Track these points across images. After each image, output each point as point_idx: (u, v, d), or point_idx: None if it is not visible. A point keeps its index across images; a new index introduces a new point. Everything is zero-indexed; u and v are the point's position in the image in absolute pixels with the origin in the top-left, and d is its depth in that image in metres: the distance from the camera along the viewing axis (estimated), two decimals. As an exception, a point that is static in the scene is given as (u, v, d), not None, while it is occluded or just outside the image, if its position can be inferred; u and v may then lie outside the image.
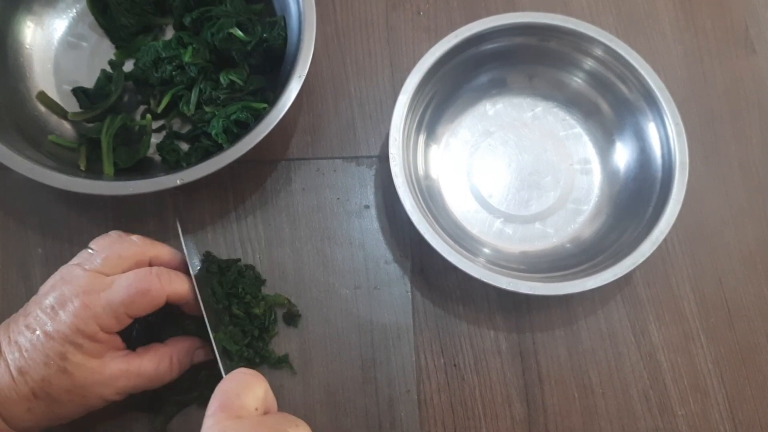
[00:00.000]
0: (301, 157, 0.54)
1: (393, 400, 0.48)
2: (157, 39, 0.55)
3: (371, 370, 0.48)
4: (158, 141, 0.52)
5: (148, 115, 0.52)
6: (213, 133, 0.49)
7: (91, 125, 0.52)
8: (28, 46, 0.53)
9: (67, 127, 0.52)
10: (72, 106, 0.52)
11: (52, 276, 0.40)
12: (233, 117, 0.49)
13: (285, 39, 0.52)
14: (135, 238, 0.43)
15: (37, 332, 0.37)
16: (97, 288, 0.38)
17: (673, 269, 0.52)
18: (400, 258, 0.51)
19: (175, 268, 0.42)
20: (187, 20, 0.53)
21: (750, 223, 0.54)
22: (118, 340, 0.40)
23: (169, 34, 0.55)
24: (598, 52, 0.52)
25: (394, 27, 0.58)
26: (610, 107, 0.54)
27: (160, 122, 0.53)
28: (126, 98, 0.54)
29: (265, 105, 0.50)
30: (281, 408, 0.47)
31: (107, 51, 0.55)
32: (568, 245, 0.52)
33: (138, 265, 0.41)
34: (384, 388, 0.48)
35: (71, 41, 0.55)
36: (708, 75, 0.58)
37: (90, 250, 0.41)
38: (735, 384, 0.50)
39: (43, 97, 0.51)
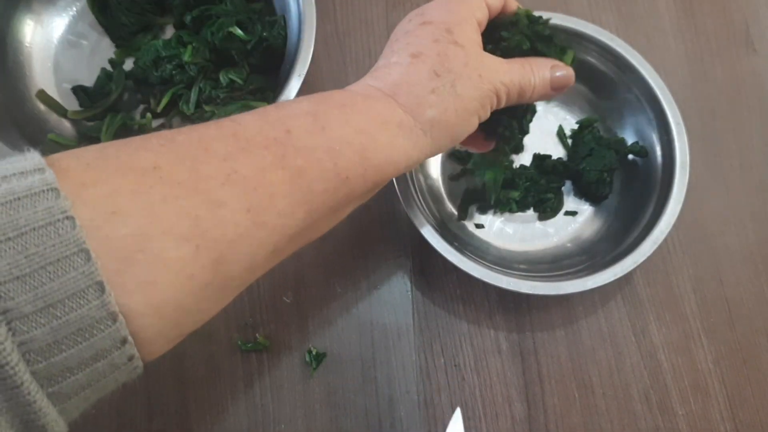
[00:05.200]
0: (301, 156, 0.54)
1: (393, 400, 0.48)
2: (157, 38, 0.55)
3: (371, 370, 0.48)
4: (158, 140, 0.52)
5: (148, 114, 0.52)
6: (213, 132, 0.49)
7: (91, 124, 0.52)
8: (27, 45, 0.53)
9: (66, 125, 0.52)
10: (72, 104, 0.52)
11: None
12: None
13: (285, 38, 0.52)
14: None
15: (413, 30, 0.36)
16: None
17: (673, 269, 0.52)
18: (400, 257, 0.51)
19: None
20: (187, 19, 0.53)
21: (750, 222, 0.54)
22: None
23: (169, 33, 0.55)
24: (598, 51, 0.52)
25: (394, 26, 0.57)
26: (610, 107, 0.54)
27: (160, 121, 0.53)
28: (126, 97, 0.54)
29: (265, 104, 0.50)
30: (281, 409, 0.47)
31: (107, 50, 0.55)
32: (568, 245, 0.52)
33: None
34: (384, 388, 0.48)
35: (71, 40, 0.55)
36: (709, 74, 0.58)
37: None
38: (735, 384, 0.49)
39: (42, 95, 0.51)
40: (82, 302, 0.21)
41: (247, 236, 0.26)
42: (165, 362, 0.48)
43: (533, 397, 0.48)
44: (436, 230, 0.46)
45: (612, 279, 0.45)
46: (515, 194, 0.51)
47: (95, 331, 0.21)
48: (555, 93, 0.39)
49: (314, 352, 0.48)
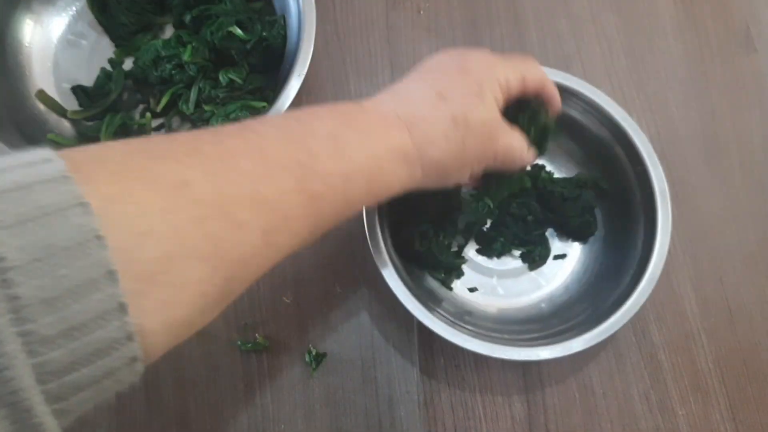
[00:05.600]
0: (300, 156, 0.54)
1: (393, 400, 0.47)
2: (156, 37, 0.55)
3: (371, 370, 0.48)
4: (158, 140, 0.52)
5: (148, 114, 0.52)
6: (213, 131, 0.49)
7: (90, 124, 0.52)
8: (27, 45, 0.53)
9: (66, 125, 0.52)
10: (71, 104, 0.52)
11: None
12: (232, 116, 0.49)
13: (284, 38, 0.52)
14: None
15: (449, 71, 0.37)
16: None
17: (673, 269, 0.52)
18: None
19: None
20: (186, 19, 0.53)
21: (751, 222, 0.54)
22: None
23: (169, 32, 0.55)
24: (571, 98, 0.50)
25: (394, 26, 0.58)
26: (578, 146, 0.53)
27: (160, 121, 0.53)
28: (125, 97, 0.54)
29: (265, 104, 0.50)
30: (281, 409, 0.47)
31: (107, 49, 0.55)
32: (563, 291, 0.51)
33: None
34: (384, 388, 0.48)
35: (71, 39, 0.55)
36: (709, 74, 0.58)
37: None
38: (736, 384, 0.49)
39: (42, 95, 0.51)
40: (102, 323, 0.21)
41: (258, 255, 0.27)
42: (165, 362, 0.47)
43: (533, 398, 0.48)
44: (431, 308, 0.44)
45: (620, 326, 0.44)
46: (497, 244, 0.51)
47: (111, 351, 0.21)
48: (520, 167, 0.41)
49: (314, 352, 0.48)
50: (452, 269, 0.50)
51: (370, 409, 0.47)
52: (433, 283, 0.50)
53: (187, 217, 0.24)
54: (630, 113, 0.52)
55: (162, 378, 0.47)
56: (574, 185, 0.51)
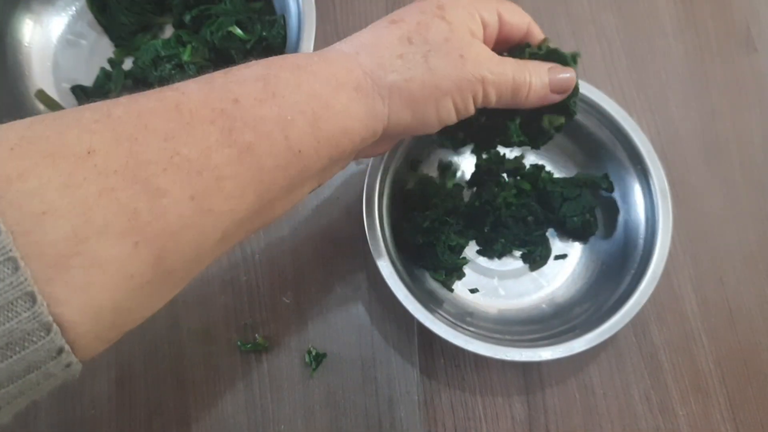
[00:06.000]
0: (300, 156, 0.54)
1: (393, 400, 0.47)
2: (156, 37, 0.55)
3: (371, 370, 0.48)
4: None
5: (148, 114, 0.52)
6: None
7: (90, 124, 0.52)
8: (26, 44, 0.53)
9: (65, 125, 0.52)
10: (71, 104, 0.52)
11: None
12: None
13: (284, 38, 0.52)
14: None
15: (412, 5, 0.32)
16: None
17: (674, 269, 0.52)
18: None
19: None
20: (186, 18, 0.53)
21: (751, 222, 0.54)
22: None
23: (169, 32, 0.55)
24: (590, 111, 0.50)
25: (394, 26, 0.58)
26: (578, 146, 0.53)
27: (160, 121, 0.53)
28: (125, 97, 0.54)
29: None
30: (281, 409, 0.47)
31: (106, 49, 0.55)
32: (563, 291, 0.51)
33: None
34: (384, 388, 0.48)
35: (70, 39, 0.55)
36: (709, 74, 0.58)
37: None
38: (736, 384, 0.49)
39: (42, 95, 0.51)
40: (10, 315, 0.19)
41: (191, 226, 0.24)
42: (165, 362, 0.47)
43: (533, 398, 0.48)
44: (432, 310, 0.44)
45: (620, 327, 0.44)
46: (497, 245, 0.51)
47: (27, 344, 0.20)
48: (557, 97, 0.36)
49: (314, 353, 0.48)
50: (453, 270, 0.50)
51: (370, 409, 0.47)
52: (433, 284, 0.50)
53: (94, 189, 0.21)
54: (630, 113, 0.52)
55: (162, 378, 0.47)
56: (574, 185, 0.51)
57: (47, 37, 0.54)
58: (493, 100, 0.34)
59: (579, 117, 0.50)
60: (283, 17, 0.52)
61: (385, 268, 0.43)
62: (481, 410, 0.48)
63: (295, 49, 0.48)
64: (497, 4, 0.35)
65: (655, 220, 0.47)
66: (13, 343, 0.19)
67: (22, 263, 0.19)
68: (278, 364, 0.48)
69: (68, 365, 0.21)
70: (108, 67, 0.54)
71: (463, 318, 0.47)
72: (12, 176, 0.20)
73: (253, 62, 0.29)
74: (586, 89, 0.49)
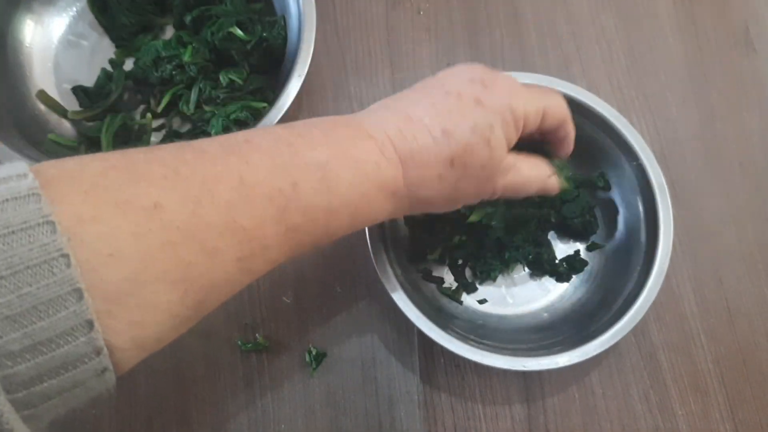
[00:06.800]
0: (301, 156, 0.54)
1: (393, 400, 0.48)
2: (157, 38, 0.55)
3: (371, 370, 0.48)
4: (158, 140, 0.52)
5: (148, 114, 0.52)
6: (213, 132, 0.49)
7: (91, 124, 0.52)
8: (28, 45, 0.53)
9: (66, 126, 0.52)
10: (72, 104, 0.52)
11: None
12: (233, 116, 0.49)
13: (285, 38, 0.52)
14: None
15: (465, 99, 0.34)
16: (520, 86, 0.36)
17: (673, 269, 0.52)
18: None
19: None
20: (187, 19, 0.53)
21: (750, 223, 0.54)
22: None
23: (169, 33, 0.55)
24: (583, 112, 0.49)
25: (394, 26, 0.58)
26: (593, 162, 0.52)
27: (160, 121, 0.53)
28: (126, 97, 0.54)
29: (265, 104, 0.50)
30: (281, 409, 0.47)
31: (107, 50, 0.55)
32: (572, 293, 0.51)
33: None
34: (384, 388, 0.48)
35: (71, 40, 0.55)
36: (708, 74, 0.58)
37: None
38: (735, 384, 0.49)
39: (43, 95, 0.51)
40: (69, 339, 0.21)
41: (232, 281, 0.28)
42: (165, 362, 0.48)
43: (533, 398, 0.48)
44: (438, 324, 0.43)
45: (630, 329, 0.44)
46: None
47: (78, 364, 0.22)
48: (536, 194, 0.40)
49: (314, 352, 0.48)
50: (467, 284, 0.50)
51: (370, 409, 0.47)
52: (442, 298, 0.49)
53: (157, 241, 0.24)
54: (629, 113, 0.52)
55: (162, 378, 0.47)
56: (572, 186, 0.50)
57: (48, 38, 0.54)
58: (501, 196, 0.38)
59: (575, 118, 0.49)
60: (284, 18, 0.52)
61: (399, 298, 0.43)
62: (480, 410, 0.48)
63: (296, 49, 0.48)
64: (546, 102, 0.37)
65: (655, 216, 0.47)
66: (68, 364, 0.22)
67: (86, 294, 0.21)
68: (278, 364, 0.48)
69: (107, 381, 0.24)
70: (109, 68, 0.54)
71: (476, 331, 0.47)
72: (85, 218, 0.22)
73: (316, 134, 0.31)
74: (576, 92, 0.48)
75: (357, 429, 0.47)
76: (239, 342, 0.48)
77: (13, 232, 0.21)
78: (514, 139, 0.35)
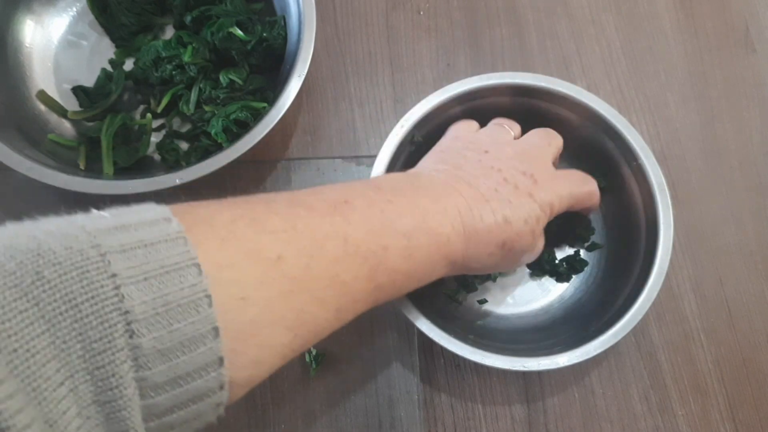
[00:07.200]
0: (301, 156, 0.54)
1: (393, 400, 0.48)
2: (157, 38, 0.55)
3: (371, 370, 0.48)
4: (158, 140, 0.52)
5: (149, 115, 0.52)
6: (213, 132, 0.49)
7: (90, 124, 0.52)
8: (28, 45, 0.53)
9: (66, 126, 0.52)
10: (72, 105, 0.52)
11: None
12: (233, 116, 0.49)
13: (285, 38, 0.52)
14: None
15: (521, 191, 0.39)
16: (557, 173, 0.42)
17: (673, 269, 0.52)
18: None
19: None
20: (187, 19, 0.53)
21: (750, 222, 0.54)
22: None
23: (169, 33, 0.55)
24: (582, 112, 0.49)
25: (394, 27, 0.58)
26: (593, 162, 0.52)
27: (160, 121, 0.53)
28: (126, 97, 0.54)
29: (265, 104, 0.50)
30: (281, 409, 0.47)
31: (107, 50, 0.55)
32: (571, 292, 0.51)
33: None
34: (384, 388, 0.48)
35: (71, 40, 0.55)
36: (708, 74, 0.58)
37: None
38: (735, 384, 0.49)
39: (42, 96, 0.51)
40: (203, 374, 0.23)
41: (328, 328, 0.31)
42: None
43: (533, 398, 0.48)
44: (438, 323, 0.43)
45: (630, 329, 0.43)
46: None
47: (205, 398, 0.24)
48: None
49: (314, 352, 0.48)
50: (467, 284, 0.50)
51: (370, 409, 0.47)
52: (443, 299, 0.49)
53: (278, 289, 0.27)
54: (629, 113, 0.52)
55: (162, 378, 0.47)
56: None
57: (48, 38, 0.54)
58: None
59: (569, 118, 0.50)
60: (284, 18, 0.52)
61: (399, 299, 0.43)
62: (480, 410, 0.48)
63: (296, 49, 0.48)
64: (582, 193, 0.44)
65: (655, 216, 0.46)
66: (197, 397, 0.24)
67: (222, 333, 0.24)
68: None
69: (219, 413, 0.26)
70: (109, 68, 0.54)
71: (475, 330, 0.47)
72: (222, 264, 0.25)
73: (404, 203, 0.35)
74: (576, 92, 0.48)
75: (357, 429, 0.47)
76: (239, 342, 0.48)
77: (167, 272, 0.23)
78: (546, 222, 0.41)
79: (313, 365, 0.48)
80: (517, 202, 0.38)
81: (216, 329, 0.23)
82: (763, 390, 0.50)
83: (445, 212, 0.36)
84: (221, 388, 0.24)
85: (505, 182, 0.39)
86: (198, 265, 0.23)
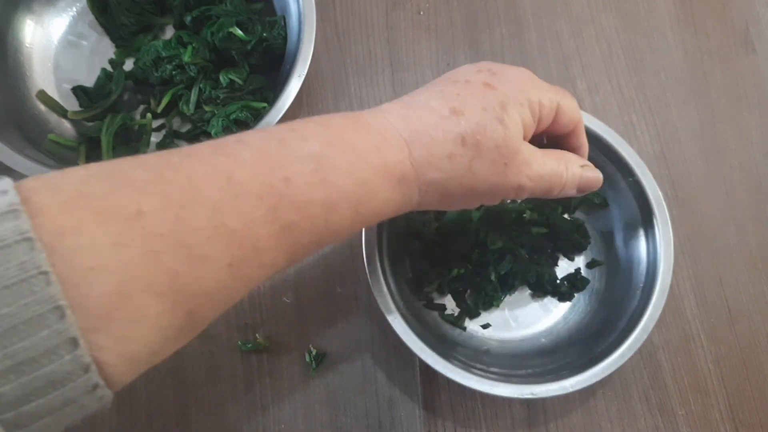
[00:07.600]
0: (301, 156, 0.54)
1: (393, 400, 0.48)
2: (157, 38, 0.55)
3: (371, 370, 0.48)
4: (158, 140, 0.52)
5: (148, 115, 0.52)
6: (213, 132, 0.49)
7: (91, 124, 0.52)
8: (28, 45, 0.53)
9: (66, 126, 0.52)
10: (72, 105, 0.52)
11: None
12: (233, 116, 0.49)
13: (285, 38, 0.52)
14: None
15: (473, 83, 0.32)
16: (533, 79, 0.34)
17: (673, 270, 0.52)
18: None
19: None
20: (187, 19, 0.53)
21: (750, 223, 0.54)
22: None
23: (169, 33, 0.55)
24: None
25: (394, 27, 0.58)
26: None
27: (160, 121, 0.53)
28: (126, 97, 0.54)
29: (265, 104, 0.50)
30: (281, 409, 0.47)
31: (107, 50, 0.55)
32: (576, 311, 0.50)
33: None
34: (384, 388, 0.48)
35: (71, 40, 0.55)
36: (708, 75, 0.58)
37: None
38: (735, 384, 0.49)
39: (43, 95, 0.51)
40: (53, 358, 0.21)
41: (224, 288, 0.26)
42: (165, 363, 0.47)
43: (532, 397, 0.48)
44: (439, 353, 0.43)
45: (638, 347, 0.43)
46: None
47: (66, 382, 0.21)
48: (578, 194, 0.37)
49: (314, 352, 0.48)
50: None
51: (370, 409, 0.47)
52: (445, 325, 0.49)
53: (140, 250, 0.23)
54: (629, 113, 0.52)
55: (162, 378, 0.47)
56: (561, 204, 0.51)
57: (48, 38, 0.54)
58: (524, 197, 0.35)
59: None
60: (284, 18, 0.52)
61: (398, 325, 0.43)
62: (480, 410, 0.48)
63: (296, 49, 0.48)
64: (560, 98, 0.35)
65: (654, 232, 0.46)
66: (55, 382, 0.21)
67: (68, 312, 0.21)
68: (278, 364, 0.48)
69: (101, 397, 0.23)
70: (109, 68, 0.54)
71: (481, 358, 0.46)
72: (65, 231, 0.21)
73: (313, 126, 0.29)
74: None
75: (357, 429, 0.47)
76: (239, 342, 0.48)
77: None
78: (531, 126, 0.33)
79: (313, 365, 0.48)
80: (467, 93, 0.32)
81: (59, 308, 0.20)
82: (763, 390, 0.50)
83: (368, 124, 0.30)
84: (85, 370, 0.21)
85: (453, 83, 0.33)
86: (30, 240, 0.20)
